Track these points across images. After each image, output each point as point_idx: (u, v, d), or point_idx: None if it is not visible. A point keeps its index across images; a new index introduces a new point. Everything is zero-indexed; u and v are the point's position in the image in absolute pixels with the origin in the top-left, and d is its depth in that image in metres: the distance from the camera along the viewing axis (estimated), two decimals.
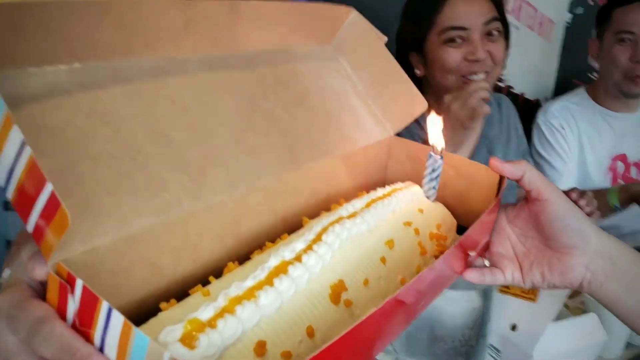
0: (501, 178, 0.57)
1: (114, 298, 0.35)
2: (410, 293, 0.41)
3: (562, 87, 1.78)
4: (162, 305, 0.39)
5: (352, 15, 0.64)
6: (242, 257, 0.48)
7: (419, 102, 0.65)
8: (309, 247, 0.45)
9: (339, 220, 0.49)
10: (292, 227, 0.53)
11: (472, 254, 0.54)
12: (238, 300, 0.38)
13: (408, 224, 0.54)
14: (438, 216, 0.59)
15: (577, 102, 1.65)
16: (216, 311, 0.36)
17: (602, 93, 1.64)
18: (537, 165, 1.62)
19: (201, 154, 0.46)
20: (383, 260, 0.48)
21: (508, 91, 1.80)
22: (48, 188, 0.30)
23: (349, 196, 0.59)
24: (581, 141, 1.62)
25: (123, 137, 0.41)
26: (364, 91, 0.67)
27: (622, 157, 1.63)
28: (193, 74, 0.48)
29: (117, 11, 0.40)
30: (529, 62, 1.83)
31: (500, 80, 1.34)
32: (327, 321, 0.40)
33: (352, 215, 0.51)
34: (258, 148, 0.50)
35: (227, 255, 0.48)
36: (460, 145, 1.14)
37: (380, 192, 0.57)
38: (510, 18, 1.63)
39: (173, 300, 0.40)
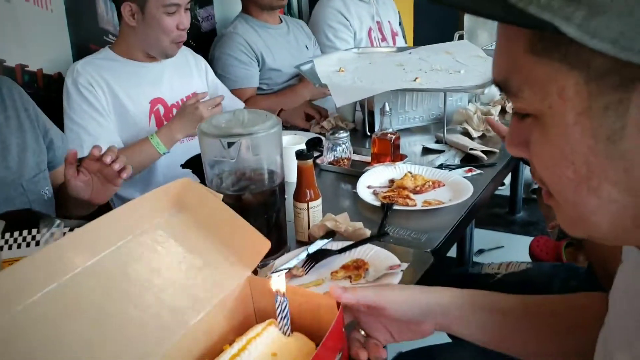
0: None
1: None
2: None
3: (81, 54, 1.83)
4: None
5: (188, 183, 0.75)
6: None
7: (263, 242, 0.75)
8: None
9: None
10: None
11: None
12: None
13: None
14: (292, 352, 0.66)
15: (102, 57, 1.75)
16: None
17: (131, 51, 1.77)
18: (71, 132, 1.66)
19: None
20: None
21: (23, 70, 1.78)
22: None
23: (217, 350, 0.68)
24: (115, 92, 1.73)
25: None
26: (215, 244, 0.76)
27: (160, 101, 1.82)
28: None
29: None
30: (36, 35, 1.82)
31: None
32: None
33: None
34: None
35: None
36: None
37: (236, 347, 0.64)
38: None
39: None
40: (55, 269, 0.62)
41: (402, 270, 0.97)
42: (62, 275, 0.62)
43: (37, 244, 0.87)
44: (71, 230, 0.90)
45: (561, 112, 0.41)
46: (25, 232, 0.88)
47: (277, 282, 0.68)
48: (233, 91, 2.18)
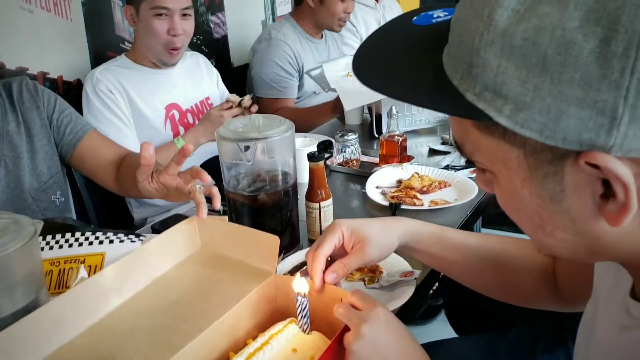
0: None
1: None
2: None
3: (99, 62, 1.87)
4: None
5: (196, 219, 0.88)
6: None
7: (273, 239, 0.81)
8: None
9: None
10: None
11: None
12: None
13: None
14: (312, 348, 0.70)
15: (119, 65, 1.78)
16: None
17: (141, 57, 1.79)
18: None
19: None
20: None
21: (45, 77, 1.84)
22: None
23: (241, 344, 0.73)
24: (132, 98, 1.75)
25: None
26: (237, 259, 0.85)
27: (175, 106, 1.85)
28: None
29: None
30: (56, 43, 1.87)
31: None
32: None
33: None
34: None
35: None
36: None
37: (259, 341, 0.69)
38: (21, 4, 1.72)
39: None
40: (93, 307, 0.72)
41: (415, 279, 1.00)
42: (99, 313, 0.73)
43: (75, 245, 0.94)
44: (104, 234, 0.96)
45: (509, 177, 0.48)
46: (68, 235, 0.95)
47: (299, 284, 0.72)
48: (274, 99, 2.21)
